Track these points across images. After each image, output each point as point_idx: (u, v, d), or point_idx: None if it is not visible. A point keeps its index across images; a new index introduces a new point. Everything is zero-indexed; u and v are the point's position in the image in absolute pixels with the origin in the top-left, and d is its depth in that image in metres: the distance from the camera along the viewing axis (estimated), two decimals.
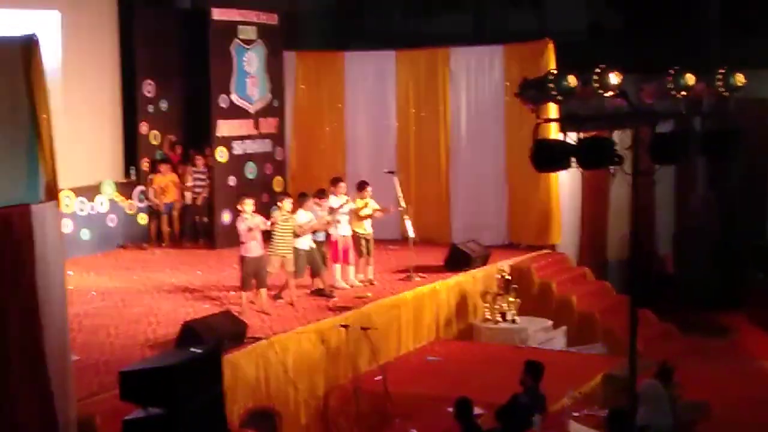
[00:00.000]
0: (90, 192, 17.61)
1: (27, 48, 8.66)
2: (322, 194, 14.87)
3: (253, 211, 13.50)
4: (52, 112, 8.83)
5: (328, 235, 14.94)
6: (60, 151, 8.96)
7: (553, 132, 12.70)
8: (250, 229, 13.21)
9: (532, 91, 10.00)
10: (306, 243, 14.10)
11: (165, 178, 18.20)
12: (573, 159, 9.63)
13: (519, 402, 10.10)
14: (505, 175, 18.39)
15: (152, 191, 18.19)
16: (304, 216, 14.11)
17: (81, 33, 17.43)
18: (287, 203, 13.94)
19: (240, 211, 13.49)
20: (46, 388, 8.55)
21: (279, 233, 13.72)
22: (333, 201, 14.89)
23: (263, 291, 13.46)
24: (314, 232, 14.37)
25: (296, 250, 13.97)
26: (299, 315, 13.24)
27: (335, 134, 19.77)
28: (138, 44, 18.34)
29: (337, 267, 14.97)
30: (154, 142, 18.78)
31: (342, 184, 15.33)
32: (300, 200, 14.36)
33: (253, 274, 13.31)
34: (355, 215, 15.19)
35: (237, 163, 18.54)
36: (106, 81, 18.11)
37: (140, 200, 18.41)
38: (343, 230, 14.96)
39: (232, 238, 17.33)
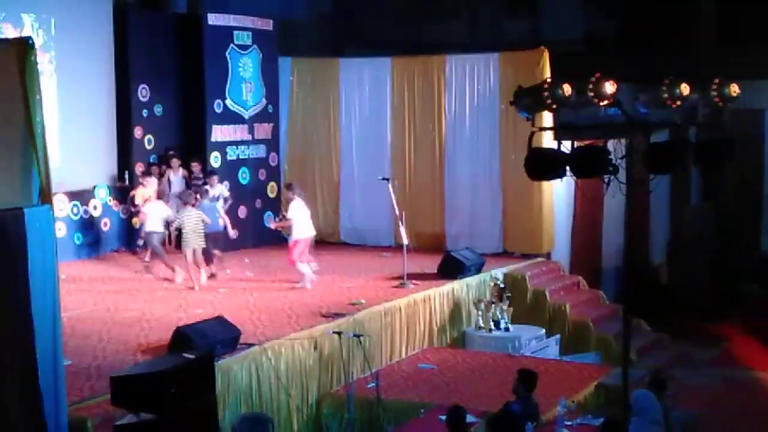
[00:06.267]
0: (84, 196, 17.59)
1: (22, 51, 8.63)
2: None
3: None
4: (46, 115, 8.80)
5: None
6: (54, 154, 8.96)
7: (548, 141, 12.71)
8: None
9: (527, 100, 9.99)
10: None
11: (148, 190, 17.30)
12: (567, 168, 9.63)
13: (511, 410, 10.08)
14: (499, 183, 18.40)
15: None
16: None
17: (75, 36, 17.41)
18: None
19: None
20: (36, 391, 8.52)
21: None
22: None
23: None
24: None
25: None
26: (292, 321, 13.23)
27: (330, 140, 19.77)
28: (133, 48, 18.32)
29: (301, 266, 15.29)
30: (148, 147, 18.76)
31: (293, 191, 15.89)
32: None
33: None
34: None
35: (231, 168, 18.53)
36: (100, 85, 18.08)
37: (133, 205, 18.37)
38: (304, 232, 15.31)
39: (225, 242, 17.36)
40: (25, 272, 8.40)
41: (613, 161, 9.50)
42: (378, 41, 22.32)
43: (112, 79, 18.29)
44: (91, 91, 17.89)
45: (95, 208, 17.77)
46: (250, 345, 11.85)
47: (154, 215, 15.89)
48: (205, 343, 10.92)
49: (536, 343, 15.19)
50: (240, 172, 18.76)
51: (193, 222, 15.12)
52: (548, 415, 11.18)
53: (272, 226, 16.86)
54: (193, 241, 15.11)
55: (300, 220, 15.33)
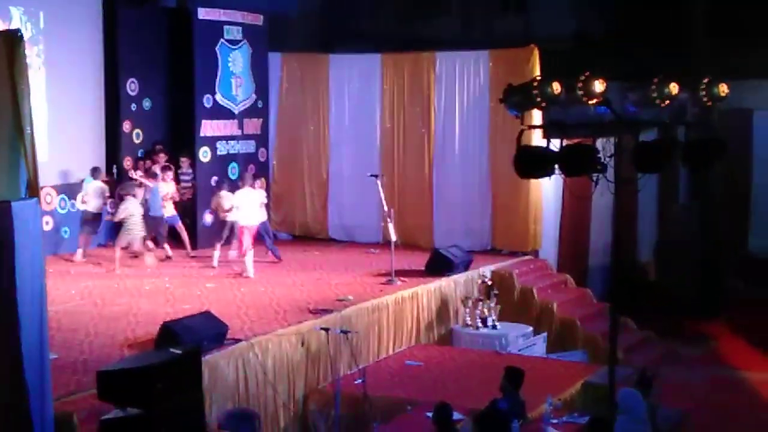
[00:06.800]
0: (71, 190, 17.52)
1: (10, 44, 8.61)
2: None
3: None
4: (34, 109, 8.78)
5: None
6: (42, 148, 8.93)
7: (537, 139, 12.73)
8: None
9: (517, 98, 10.01)
10: None
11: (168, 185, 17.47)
12: (556, 166, 9.65)
13: (498, 408, 10.09)
14: (488, 181, 18.39)
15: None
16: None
17: (64, 30, 17.35)
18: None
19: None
20: (22, 385, 8.50)
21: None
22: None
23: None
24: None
25: None
26: (279, 317, 13.22)
27: (319, 136, 19.75)
28: (122, 42, 18.25)
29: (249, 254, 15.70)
30: (137, 141, 18.71)
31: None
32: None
33: None
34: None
35: (220, 163, 18.50)
36: (89, 78, 18.02)
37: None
38: (251, 219, 15.90)
39: (214, 238, 17.36)
40: (12, 265, 8.38)
41: (602, 160, 9.53)
42: (368, 37, 22.30)
43: (101, 72, 18.24)
44: (80, 84, 17.83)
45: (83, 202, 17.70)
46: (237, 340, 11.84)
47: (93, 197, 16.92)
48: (191, 339, 10.91)
49: (523, 341, 15.21)
50: (229, 167, 18.73)
51: (138, 212, 16.18)
52: (535, 412, 11.18)
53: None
54: (137, 231, 16.13)
55: (242, 208, 15.97)
